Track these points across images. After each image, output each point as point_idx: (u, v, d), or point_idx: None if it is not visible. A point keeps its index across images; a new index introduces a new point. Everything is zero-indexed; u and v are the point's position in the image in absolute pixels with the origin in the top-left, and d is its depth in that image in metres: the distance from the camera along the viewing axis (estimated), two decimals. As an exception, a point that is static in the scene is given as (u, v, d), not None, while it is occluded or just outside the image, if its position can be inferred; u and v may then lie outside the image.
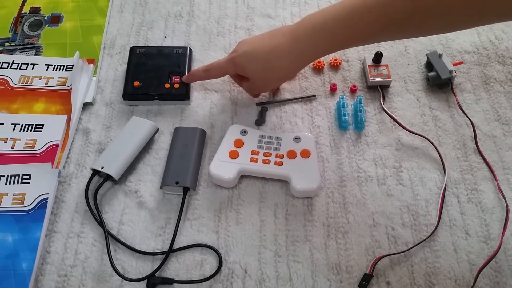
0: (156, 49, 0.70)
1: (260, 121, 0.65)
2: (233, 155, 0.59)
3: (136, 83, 0.66)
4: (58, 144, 0.61)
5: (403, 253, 0.55)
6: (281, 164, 0.58)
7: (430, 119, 0.66)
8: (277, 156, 0.59)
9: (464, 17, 0.48)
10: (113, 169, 0.57)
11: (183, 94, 0.66)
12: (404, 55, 0.73)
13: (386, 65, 0.69)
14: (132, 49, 0.70)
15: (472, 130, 0.64)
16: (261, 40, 0.59)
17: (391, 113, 0.65)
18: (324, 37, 0.54)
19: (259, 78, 0.60)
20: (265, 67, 0.58)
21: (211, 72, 0.65)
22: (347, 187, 0.60)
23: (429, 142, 0.63)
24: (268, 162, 0.58)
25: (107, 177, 0.58)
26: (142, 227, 0.57)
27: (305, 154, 0.59)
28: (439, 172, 0.61)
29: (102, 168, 0.57)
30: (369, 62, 0.69)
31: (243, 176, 0.60)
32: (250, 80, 0.61)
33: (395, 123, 0.65)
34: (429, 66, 0.71)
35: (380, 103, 0.67)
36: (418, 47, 0.74)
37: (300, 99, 0.68)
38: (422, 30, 0.53)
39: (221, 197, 0.59)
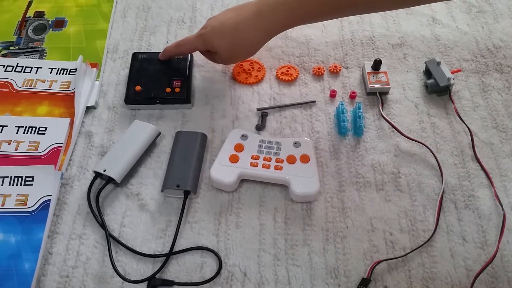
0: (158, 55, 0.71)
1: (260, 126, 0.66)
2: (234, 159, 0.60)
3: (138, 88, 0.67)
4: (61, 147, 0.62)
5: (400, 258, 0.55)
6: (280, 168, 0.59)
7: (428, 126, 0.67)
8: (277, 160, 0.60)
9: None
10: (115, 172, 0.58)
11: (184, 98, 0.67)
12: (403, 62, 0.75)
13: (385, 72, 0.70)
14: (134, 55, 0.71)
15: (469, 137, 0.65)
16: (227, 15, 0.62)
17: (389, 120, 0.66)
18: (285, 12, 0.59)
19: (227, 51, 0.63)
20: (232, 42, 0.62)
21: (182, 48, 0.67)
22: (345, 192, 0.61)
23: (427, 149, 0.64)
24: (268, 167, 0.59)
25: (109, 180, 0.58)
26: (143, 229, 0.57)
27: (305, 159, 0.60)
28: (437, 179, 0.62)
29: (104, 170, 0.58)
30: (369, 69, 0.70)
31: (243, 180, 0.61)
32: (218, 54, 0.64)
33: (393, 129, 0.66)
34: (427, 73, 0.72)
35: (379, 109, 0.68)
36: (417, 55, 0.75)
37: (300, 105, 0.69)
38: (375, 7, 0.61)
39: (221, 201, 0.60)
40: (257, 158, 0.60)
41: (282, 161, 0.60)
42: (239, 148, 0.61)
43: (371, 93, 0.70)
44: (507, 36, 0.77)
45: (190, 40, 0.66)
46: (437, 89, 0.69)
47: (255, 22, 0.60)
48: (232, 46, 0.62)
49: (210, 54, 0.67)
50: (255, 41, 0.63)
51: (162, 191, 0.59)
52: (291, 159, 0.60)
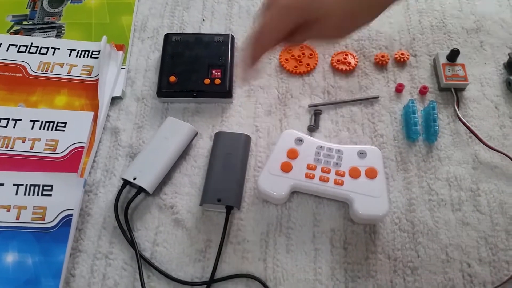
0: (194, 37, 0.60)
1: (313, 127, 0.56)
2: (286, 168, 0.51)
3: (172, 78, 0.57)
4: (83, 147, 0.53)
5: (481, 297, 0.47)
6: (341, 183, 0.50)
7: (511, 132, 0.57)
8: (337, 173, 0.50)
9: None
10: (147, 181, 0.50)
11: (225, 91, 0.57)
12: (480, 52, 0.63)
13: (463, 65, 0.59)
14: (167, 37, 0.61)
15: (561, 147, 0.55)
16: None
17: (467, 123, 0.56)
18: None
19: (342, 12, 0.41)
20: None
21: (266, 37, 0.42)
22: (416, 212, 0.51)
23: (511, 161, 0.54)
24: (327, 180, 0.50)
25: (140, 190, 0.50)
26: (179, 249, 0.49)
27: (371, 173, 0.50)
28: (522, 198, 0.52)
29: (134, 179, 0.50)
30: (443, 59, 0.59)
31: (294, 192, 0.52)
32: (326, 19, 0.41)
33: (471, 135, 0.56)
34: (510, 67, 0.60)
35: (455, 109, 0.57)
36: (496, 43, 0.63)
37: (360, 101, 0.59)
38: None
39: (269, 217, 0.51)
40: (314, 168, 0.51)
41: (343, 174, 0.50)
42: (292, 154, 0.51)
43: (444, 89, 0.59)
44: None
45: (274, 19, 0.42)
46: (522, 87, 0.58)
47: None
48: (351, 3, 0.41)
49: (306, 28, 0.42)
50: None
51: (200, 205, 0.50)
52: (354, 173, 0.50)
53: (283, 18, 0.41)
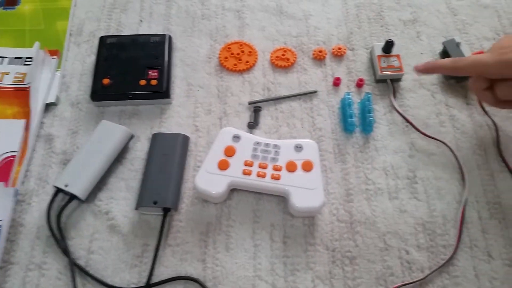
0: (130, 38, 0.60)
1: (253, 124, 0.56)
2: (223, 165, 0.50)
3: (106, 81, 0.56)
4: (15, 156, 0.51)
5: (418, 282, 0.48)
6: (278, 178, 0.50)
7: (447, 118, 0.58)
8: (274, 168, 0.50)
9: None
10: (79, 188, 0.48)
11: (163, 91, 0.56)
12: (416, 42, 0.64)
13: (398, 56, 0.60)
14: (102, 39, 0.60)
15: (494, 132, 0.56)
16: None
17: (403, 113, 0.57)
18: None
19: None
20: None
21: (462, 68, 0.51)
22: (354, 202, 0.52)
23: (447, 147, 0.55)
24: (264, 175, 0.50)
25: (72, 197, 0.49)
26: (114, 256, 0.48)
27: (307, 166, 0.50)
28: (458, 183, 0.53)
29: (66, 186, 0.49)
30: (378, 51, 0.60)
31: (234, 189, 0.52)
32: None
33: (408, 124, 0.57)
34: (445, 55, 0.62)
35: (391, 100, 0.58)
36: (432, 33, 0.65)
37: (299, 96, 0.59)
38: None
39: (208, 217, 0.51)
40: (251, 164, 0.50)
41: (280, 169, 0.50)
42: (230, 152, 0.51)
43: (381, 80, 0.60)
44: (535, 9, 0.67)
45: (481, 62, 0.49)
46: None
47: None
48: None
49: (503, 87, 0.49)
50: None
51: (136, 208, 0.49)
52: (291, 166, 0.50)
53: (489, 66, 0.48)
